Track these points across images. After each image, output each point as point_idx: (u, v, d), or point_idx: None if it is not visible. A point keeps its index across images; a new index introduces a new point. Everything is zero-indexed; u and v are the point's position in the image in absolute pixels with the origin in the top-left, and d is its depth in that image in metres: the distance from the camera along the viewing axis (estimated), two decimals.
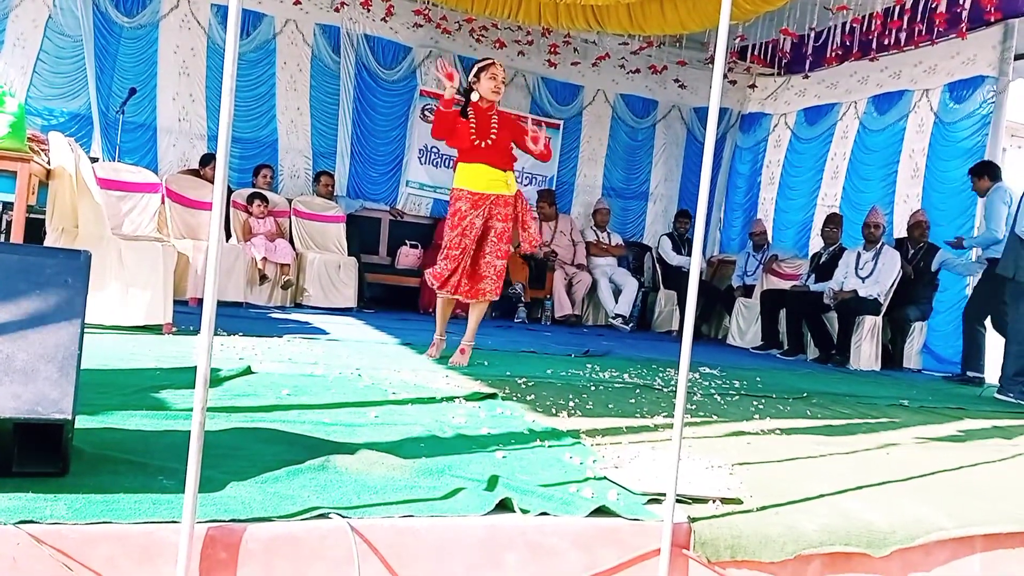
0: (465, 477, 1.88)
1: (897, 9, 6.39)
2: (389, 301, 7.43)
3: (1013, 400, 4.97)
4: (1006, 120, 6.80)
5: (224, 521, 1.50)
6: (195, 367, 1.43)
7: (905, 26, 6.41)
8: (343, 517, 1.58)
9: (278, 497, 1.62)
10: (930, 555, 2.04)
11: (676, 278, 8.07)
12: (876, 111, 7.52)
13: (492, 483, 1.83)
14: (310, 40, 7.62)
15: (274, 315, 5.73)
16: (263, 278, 6.30)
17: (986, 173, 5.87)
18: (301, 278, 6.54)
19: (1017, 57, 6.60)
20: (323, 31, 7.66)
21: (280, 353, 3.72)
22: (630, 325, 7.65)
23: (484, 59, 4.24)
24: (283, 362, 3.45)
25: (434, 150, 8.10)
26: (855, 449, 2.87)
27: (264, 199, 6.66)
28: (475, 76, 4.13)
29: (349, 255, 6.86)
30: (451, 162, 8.17)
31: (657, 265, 8.53)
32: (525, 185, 8.48)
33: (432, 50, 7.99)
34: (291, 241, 6.76)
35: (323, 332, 4.80)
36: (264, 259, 6.32)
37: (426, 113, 8.00)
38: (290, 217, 6.92)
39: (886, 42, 6.68)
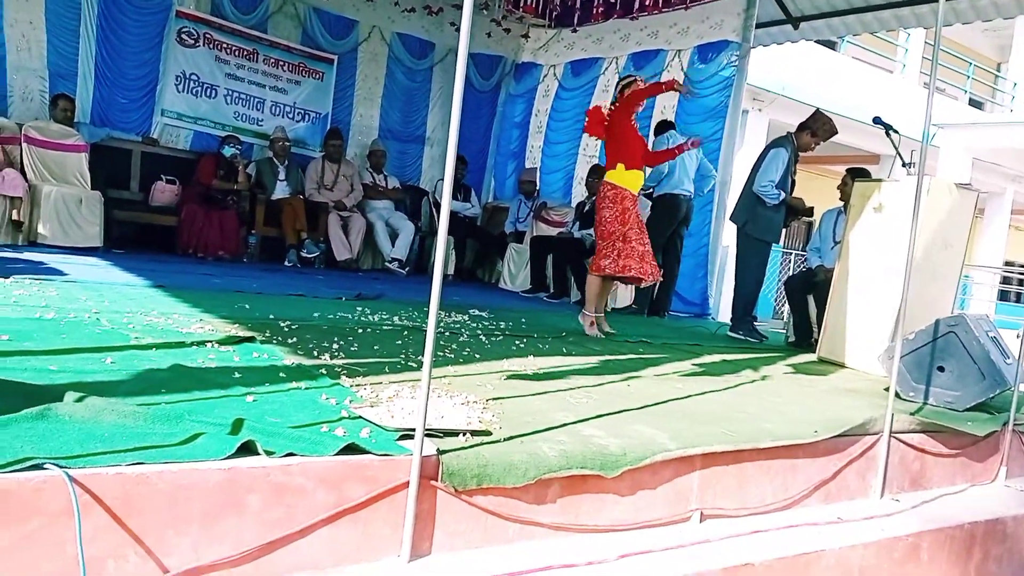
0: (207, 422, 1.79)
1: None
2: (142, 241, 6.82)
3: (742, 337, 5.61)
4: (747, 84, 7.48)
5: None
6: None
7: None
8: (61, 468, 1.45)
9: None
10: (656, 474, 2.26)
11: (453, 223, 8.15)
12: (634, 67, 7.96)
13: (236, 426, 1.76)
14: None
15: (2, 254, 5.07)
16: None
17: (665, 128, 6.77)
18: (35, 213, 5.82)
19: (759, 25, 7.24)
20: None
21: (3, 295, 3.31)
22: (407, 269, 7.66)
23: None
24: (7, 305, 3.08)
25: (193, 77, 7.46)
26: (601, 383, 3.10)
27: None
28: None
29: (93, 189, 6.20)
30: (213, 92, 7.61)
31: (434, 209, 8.57)
32: (298, 122, 8.13)
33: None
34: (23, 172, 5.99)
35: (59, 273, 4.32)
36: None
37: (184, 37, 7.35)
38: (20, 144, 6.11)
39: (647, 3, 7.07)
